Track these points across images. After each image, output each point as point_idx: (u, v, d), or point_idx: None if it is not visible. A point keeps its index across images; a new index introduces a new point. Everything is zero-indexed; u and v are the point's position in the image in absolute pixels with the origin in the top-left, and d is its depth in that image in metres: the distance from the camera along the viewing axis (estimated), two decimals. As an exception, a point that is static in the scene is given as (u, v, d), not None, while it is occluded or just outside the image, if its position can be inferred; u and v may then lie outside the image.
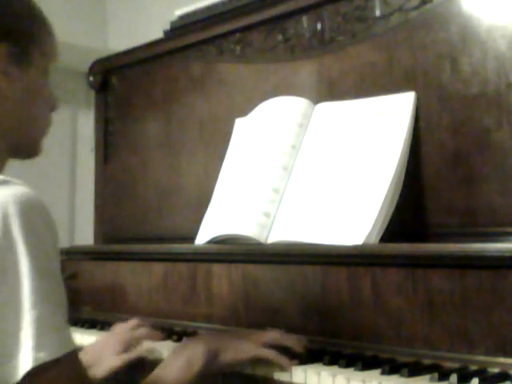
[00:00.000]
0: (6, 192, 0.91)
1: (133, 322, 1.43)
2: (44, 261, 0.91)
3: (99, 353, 1.33)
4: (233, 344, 1.21)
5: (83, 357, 1.30)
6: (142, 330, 1.41)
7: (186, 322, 1.56)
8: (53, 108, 1.13)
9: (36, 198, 0.93)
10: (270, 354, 1.19)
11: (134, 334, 1.39)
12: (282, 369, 1.18)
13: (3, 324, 0.87)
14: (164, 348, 1.37)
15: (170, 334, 1.49)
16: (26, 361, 0.87)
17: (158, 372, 1.14)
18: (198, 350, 1.17)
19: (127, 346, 1.35)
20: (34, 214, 0.91)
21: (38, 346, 0.88)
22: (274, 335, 1.23)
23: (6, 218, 0.88)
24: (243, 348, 1.20)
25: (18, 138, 1.07)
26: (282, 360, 1.18)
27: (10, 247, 0.88)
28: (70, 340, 0.93)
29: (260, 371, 1.21)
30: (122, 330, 1.41)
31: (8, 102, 1.04)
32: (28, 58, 1.05)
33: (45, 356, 0.88)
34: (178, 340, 1.44)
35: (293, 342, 1.23)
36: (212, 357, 1.17)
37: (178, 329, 1.55)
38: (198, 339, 1.28)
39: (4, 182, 0.93)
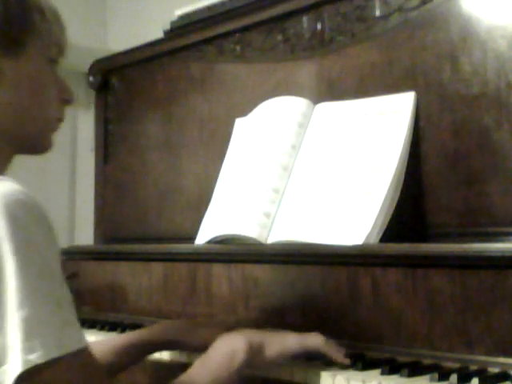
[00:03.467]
0: None
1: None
2: (35, 259, 0.87)
3: (193, 326, 1.34)
4: (278, 338, 1.15)
5: (176, 325, 1.32)
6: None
7: (185, 322, 1.56)
8: (65, 101, 1.10)
9: (25, 194, 0.89)
10: (318, 341, 1.14)
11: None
12: (336, 363, 1.12)
13: None
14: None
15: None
16: (15, 364, 0.83)
17: (196, 366, 1.08)
18: (240, 344, 1.10)
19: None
20: (21, 212, 0.87)
21: (28, 348, 0.84)
22: (316, 340, 1.16)
23: None
24: (290, 341, 1.15)
25: (20, 132, 1.04)
26: (338, 354, 1.14)
27: None
28: (72, 339, 0.88)
29: (261, 372, 1.21)
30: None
31: (0, 95, 1.01)
32: (22, 49, 1.02)
33: (36, 358, 0.84)
34: None
35: (335, 353, 1.15)
36: (256, 351, 1.11)
37: None
38: (240, 332, 1.18)
39: None
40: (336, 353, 1.16)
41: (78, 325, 0.91)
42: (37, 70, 1.05)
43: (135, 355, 1.32)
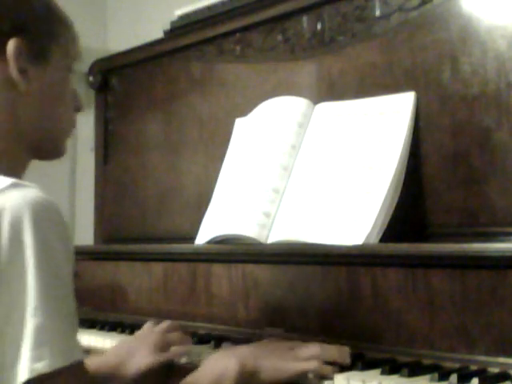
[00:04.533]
0: (17, 195, 0.88)
1: (165, 324, 1.37)
2: (52, 269, 0.88)
3: (131, 351, 1.27)
4: (272, 362, 1.12)
5: (116, 352, 1.28)
6: (175, 334, 1.35)
7: (185, 322, 1.56)
8: (77, 108, 1.12)
9: (49, 202, 0.90)
10: (314, 365, 1.12)
11: (167, 337, 1.33)
12: (326, 377, 1.10)
13: (6, 332, 0.85)
14: (196, 354, 1.32)
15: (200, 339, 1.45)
16: (22, 372, 0.84)
17: (186, 382, 1.08)
18: (232, 367, 1.08)
19: (160, 348, 1.29)
20: (46, 220, 0.89)
21: (36, 356, 0.84)
22: (314, 350, 1.15)
23: (16, 222, 0.86)
24: (284, 366, 1.12)
25: (39, 139, 1.06)
26: (326, 370, 1.11)
27: (19, 253, 0.86)
28: (75, 350, 0.89)
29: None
30: (153, 331, 1.35)
31: (25, 101, 1.02)
32: (47, 56, 1.04)
33: (42, 367, 0.84)
34: (215, 347, 1.37)
35: (336, 354, 1.15)
36: (247, 376, 1.09)
37: (202, 332, 1.52)
38: (233, 352, 1.16)
39: (16, 185, 0.90)
40: (336, 354, 1.15)
41: (77, 338, 0.92)
42: (59, 78, 1.07)
43: None
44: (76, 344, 0.91)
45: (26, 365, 0.84)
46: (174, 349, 1.30)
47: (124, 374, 1.23)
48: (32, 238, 0.86)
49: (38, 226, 0.87)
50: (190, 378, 1.09)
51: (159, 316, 1.62)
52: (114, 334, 1.61)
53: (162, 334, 1.33)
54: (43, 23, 1.04)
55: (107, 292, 1.81)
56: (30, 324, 0.85)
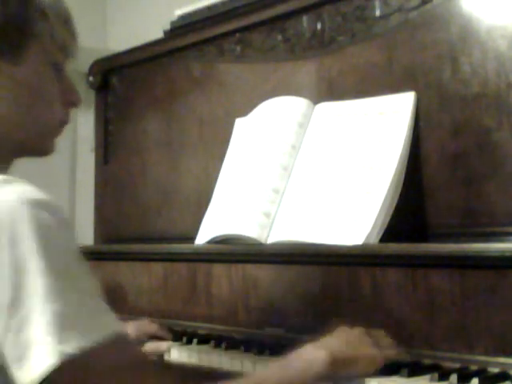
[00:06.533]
0: (10, 191, 0.88)
1: (144, 321, 1.46)
2: (59, 256, 0.88)
3: None
4: (364, 351, 1.10)
5: None
6: (153, 328, 1.44)
7: (185, 322, 1.56)
8: (73, 104, 1.10)
9: (42, 195, 0.90)
10: (394, 353, 1.12)
11: (147, 331, 1.42)
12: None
13: (12, 325, 0.84)
14: (174, 349, 1.37)
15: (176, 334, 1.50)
16: (46, 358, 0.82)
17: (273, 366, 1.07)
18: (322, 355, 1.05)
19: (139, 342, 1.37)
20: (41, 210, 0.88)
21: (61, 340, 0.83)
22: (388, 339, 1.14)
23: (12, 214, 0.86)
24: (377, 356, 1.10)
25: (20, 137, 1.04)
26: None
27: (15, 243, 0.85)
28: (106, 325, 0.88)
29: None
30: (134, 326, 1.44)
31: (0, 99, 1.01)
32: (22, 54, 1.01)
33: (71, 349, 0.83)
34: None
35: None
36: (340, 365, 1.06)
37: (178, 329, 1.55)
38: (321, 344, 1.10)
39: (7, 181, 0.90)
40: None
41: (110, 312, 0.91)
42: (37, 75, 1.04)
43: None
44: (105, 319, 0.89)
45: (50, 350, 0.83)
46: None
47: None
48: (28, 228, 0.86)
49: (33, 217, 0.87)
50: (280, 361, 1.07)
51: (159, 316, 1.62)
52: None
53: (138, 330, 1.44)
54: (15, 19, 1.00)
55: (107, 292, 1.79)
56: (46, 312, 0.84)
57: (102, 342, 0.86)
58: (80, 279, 0.90)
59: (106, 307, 0.91)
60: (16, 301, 0.85)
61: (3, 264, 0.85)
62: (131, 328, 1.45)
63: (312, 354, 1.06)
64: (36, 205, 0.88)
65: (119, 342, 0.89)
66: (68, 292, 0.87)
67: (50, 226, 0.88)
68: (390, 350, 1.13)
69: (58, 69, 1.07)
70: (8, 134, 1.03)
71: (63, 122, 1.09)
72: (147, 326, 1.49)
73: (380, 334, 1.16)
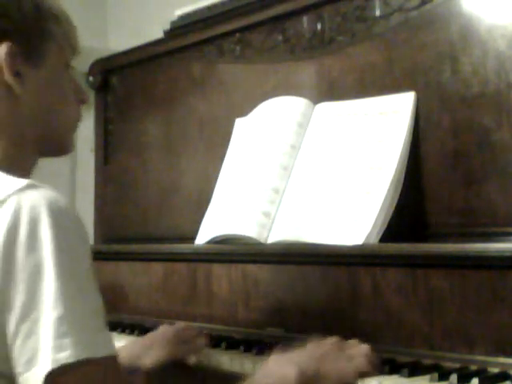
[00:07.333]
0: (36, 195, 0.89)
1: (180, 324, 1.44)
2: (73, 264, 0.88)
3: (148, 345, 1.35)
4: (332, 366, 1.08)
5: (129, 350, 1.31)
6: (189, 333, 1.41)
7: (185, 322, 1.56)
8: (82, 101, 1.12)
9: (64, 201, 0.91)
10: (369, 368, 1.09)
11: (182, 334, 1.39)
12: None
13: (23, 330, 0.85)
14: (212, 355, 1.34)
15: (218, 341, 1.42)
16: (45, 363, 0.83)
17: None
18: (292, 371, 1.03)
19: (174, 344, 1.36)
20: (64, 218, 0.89)
21: (58, 346, 0.84)
22: (364, 349, 1.11)
23: (35, 219, 0.87)
24: (347, 369, 1.08)
25: (44, 137, 1.07)
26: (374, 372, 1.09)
27: (36, 250, 0.86)
28: (105, 345, 0.89)
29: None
30: (168, 329, 1.41)
31: (24, 102, 1.02)
32: (41, 56, 1.04)
33: (66, 357, 0.84)
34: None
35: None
36: (308, 381, 1.04)
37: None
38: (290, 359, 1.08)
39: (33, 186, 0.91)
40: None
41: (108, 334, 0.92)
42: (56, 75, 1.07)
43: None
44: (104, 339, 0.90)
45: (48, 356, 0.83)
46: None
47: (138, 368, 1.26)
48: (50, 234, 0.87)
49: (56, 224, 0.88)
50: (249, 381, 1.04)
51: (159, 316, 1.62)
52: (114, 334, 1.61)
53: (177, 330, 1.39)
54: (33, 23, 1.03)
55: (107, 292, 1.80)
56: (51, 317, 0.85)
57: (95, 359, 0.86)
58: (88, 292, 0.91)
59: (105, 327, 0.92)
60: (28, 305, 0.86)
61: (22, 268, 0.86)
62: (168, 331, 1.40)
63: (282, 371, 1.04)
64: (58, 212, 0.89)
65: (110, 365, 0.90)
66: (75, 300, 0.87)
67: (68, 233, 0.89)
68: (363, 362, 1.09)
69: (69, 68, 1.10)
70: (31, 136, 1.05)
71: (78, 120, 1.13)
72: (183, 330, 1.43)
73: (353, 343, 1.14)
